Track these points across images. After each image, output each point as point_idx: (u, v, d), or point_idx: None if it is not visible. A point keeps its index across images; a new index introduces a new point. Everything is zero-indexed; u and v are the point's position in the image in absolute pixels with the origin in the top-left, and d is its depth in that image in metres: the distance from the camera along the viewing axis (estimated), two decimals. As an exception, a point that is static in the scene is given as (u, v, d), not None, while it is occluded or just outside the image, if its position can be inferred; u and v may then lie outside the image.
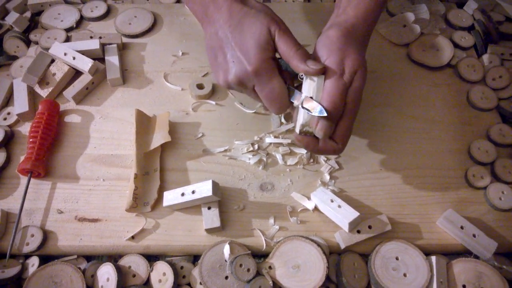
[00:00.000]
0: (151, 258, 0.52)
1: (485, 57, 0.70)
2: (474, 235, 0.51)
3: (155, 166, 0.57)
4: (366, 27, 0.51)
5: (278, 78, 0.48)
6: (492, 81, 0.66)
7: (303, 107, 0.47)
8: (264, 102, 0.50)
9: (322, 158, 0.59)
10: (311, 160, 0.59)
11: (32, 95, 0.64)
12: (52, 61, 0.65)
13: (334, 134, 0.48)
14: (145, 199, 0.55)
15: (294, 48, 0.47)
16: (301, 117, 0.48)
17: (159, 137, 0.58)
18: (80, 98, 0.65)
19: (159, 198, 0.55)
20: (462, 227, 0.52)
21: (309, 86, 0.48)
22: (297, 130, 0.49)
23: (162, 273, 0.50)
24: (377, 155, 0.60)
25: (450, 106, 0.65)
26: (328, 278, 0.49)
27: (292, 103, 0.49)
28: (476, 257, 0.51)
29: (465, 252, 0.52)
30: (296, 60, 0.47)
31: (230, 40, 0.48)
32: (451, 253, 0.53)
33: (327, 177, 0.57)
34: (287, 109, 0.50)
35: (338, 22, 0.50)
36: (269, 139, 0.60)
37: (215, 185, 0.52)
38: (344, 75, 0.47)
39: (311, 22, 0.75)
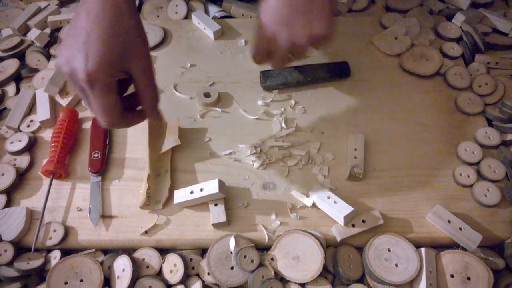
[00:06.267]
0: (163, 251, 0.55)
1: (472, 66, 0.73)
2: (460, 228, 0.54)
3: (166, 168, 0.61)
4: None
5: (116, 95, 0.44)
6: (479, 88, 0.70)
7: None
8: (97, 114, 0.45)
9: (319, 159, 0.63)
10: (310, 161, 0.63)
11: (53, 104, 0.68)
12: (71, 73, 0.71)
13: None
14: (157, 197, 0.59)
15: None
16: None
17: (170, 141, 0.62)
18: (97, 106, 0.69)
19: (170, 196, 0.58)
20: (449, 221, 0.55)
21: (354, 141, 0.62)
22: None
23: (173, 265, 0.53)
24: (371, 156, 0.63)
25: (439, 111, 0.69)
26: (325, 268, 0.53)
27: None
28: (464, 249, 0.54)
29: (453, 244, 0.55)
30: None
31: (90, 30, 0.42)
32: (440, 246, 0.55)
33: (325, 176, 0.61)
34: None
35: None
36: (270, 143, 0.64)
37: (221, 183, 0.56)
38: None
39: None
